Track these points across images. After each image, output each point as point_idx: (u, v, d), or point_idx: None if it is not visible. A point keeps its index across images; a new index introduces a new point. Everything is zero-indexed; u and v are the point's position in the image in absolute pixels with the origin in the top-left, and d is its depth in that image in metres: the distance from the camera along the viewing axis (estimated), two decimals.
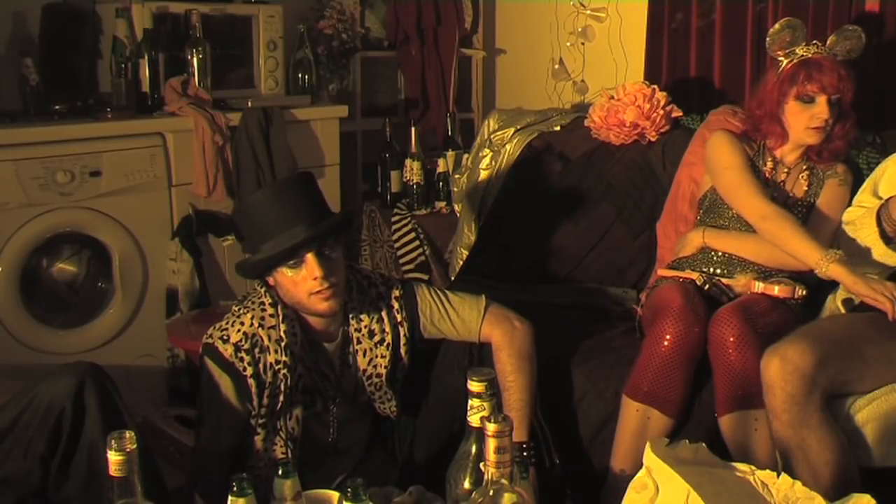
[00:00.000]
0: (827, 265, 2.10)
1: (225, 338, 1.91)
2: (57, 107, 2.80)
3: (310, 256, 1.86)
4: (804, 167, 2.43)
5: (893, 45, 2.77)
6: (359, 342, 2.03)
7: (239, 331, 1.92)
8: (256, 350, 1.91)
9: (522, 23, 3.84)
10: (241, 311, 1.95)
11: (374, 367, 2.03)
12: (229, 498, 1.35)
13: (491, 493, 1.27)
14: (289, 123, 3.16)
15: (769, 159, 2.45)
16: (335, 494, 1.59)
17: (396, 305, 2.05)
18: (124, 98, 2.95)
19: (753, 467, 1.53)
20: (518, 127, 3.15)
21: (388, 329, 2.03)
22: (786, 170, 2.44)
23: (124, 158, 2.81)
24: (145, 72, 2.98)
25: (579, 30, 3.59)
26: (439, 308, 2.08)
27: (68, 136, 2.73)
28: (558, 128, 3.13)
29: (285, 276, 1.90)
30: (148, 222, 2.89)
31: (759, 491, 1.49)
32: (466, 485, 1.41)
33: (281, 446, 1.95)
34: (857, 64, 2.42)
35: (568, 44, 3.63)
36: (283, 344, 1.92)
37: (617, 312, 2.55)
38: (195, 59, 3.03)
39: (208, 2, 3.15)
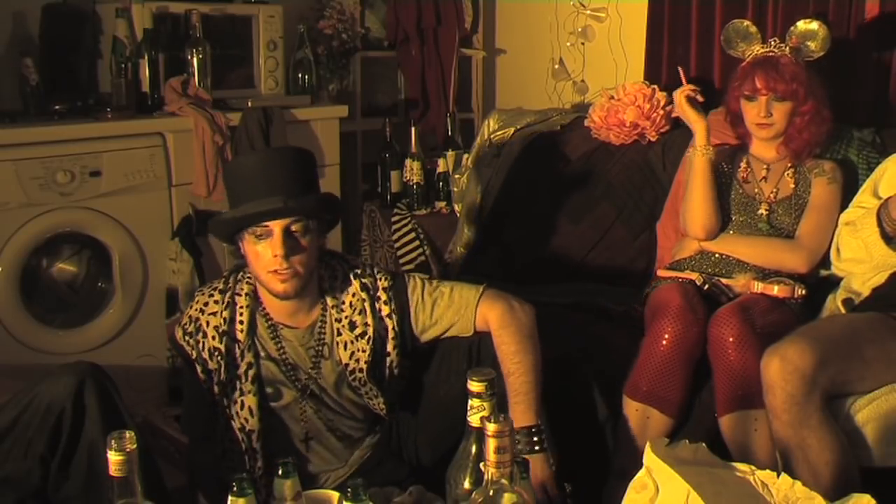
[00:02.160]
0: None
1: (180, 321, 1.94)
2: (57, 107, 2.79)
3: (277, 230, 1.80)
4: (788, 165, 2.45)
5: (892, 45, 2.77)
6: (339, 333, 1.94)
7: (187, 313, 1.94)
8: (199, 335, 1.90)
9: (522, 23, 3.84)
10: (197, 294, 1.96)
11: (356, 360, 1.94)
12: (229, 498, 1.35)
13: (491, 493, 1.27)
14: (289, 123, 3.16)
15: (743, 158, 2.49)
16: (335, 494, 1.59)
17: (384, 297, 1.96)
18: (124, 98, 2.95)
19: (753, 467, 1.53)
20: (518, 127, 3.16)
21: (370, 322, 1.94)
22: (765, 167, 2.46)
23: (124, 158, 2.81)
24: (145, 72, 2.97)
25: (579, 30, 3.59)
26: (431, 293, 1.98)
27: (68, 136, 2.73)
28: (558, 128, 3.13)
29: (251, 246, 1.84)
30: (148, 222, 2.89)
31: (759, 491, 1.49)
32: (466, 485, 1.41)
33: (237, 439, 1.91)
34: (855, 64, 2.44)
35: (568, 44, 3.63)
36: (220, 330, 1.88)
37: (617, 312, 2.55)
38: (195, 59, 3.03)
39: (208, 2, 3.15)
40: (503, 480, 1.27)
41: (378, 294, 1.96)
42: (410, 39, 3.67)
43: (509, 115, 3.24)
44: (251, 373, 1.90)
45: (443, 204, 3.42)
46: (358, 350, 1.94)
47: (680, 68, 2.60)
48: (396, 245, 3.32)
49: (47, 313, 2.78)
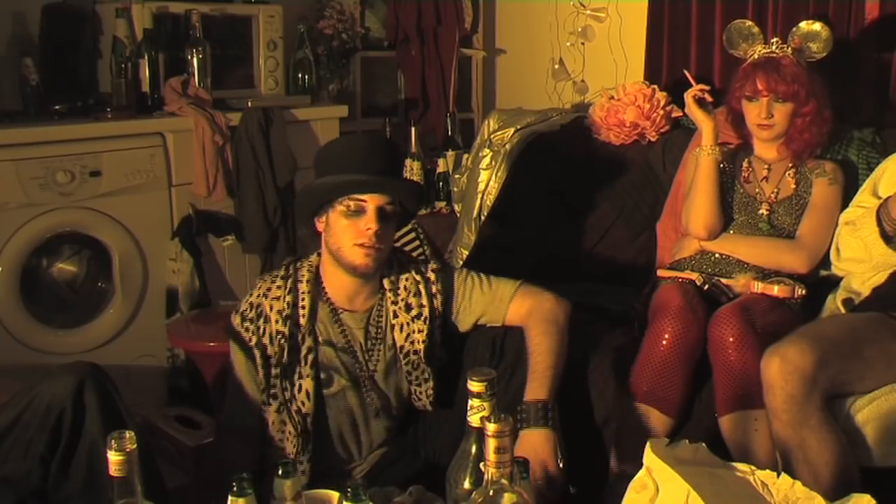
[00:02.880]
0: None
1: (238, 309, 1.97)
2: (57, 107, 2.79)
3: (371, 207, 1.86)
4: (789, 165, 2.45)
5: (893, 45, 2.77)
6: (395, 316, 1.99)
7: (247, 300, 1.97)
8: (261, 320, 1.93)
9: (522, 23, 3.84)
10: (256, 283, 2.00)
11: (412, 342, 1.99)
12: (229, 498, 1.35)
13: (491, 493, 1.27)
14: (289, 123, 3.16)
15: (744, 158, 2.49)
16: (335, 494, 1.59)
17: (433, 277, 2.03)
18: (124, 98, 2.95)
19: (753, 467, 1.53)
20: (518, 127, 3.15)
21: (425, 303, 2.00)
22: (766, 167, 2.47)
23: (124, 158, 2.81)
24: (145, 72, 2.97)
25: (579, 30, 3.59)
26: (473, 279, 2.06)
27: (68, 136, 2.73)
28: (558, 128, 3.13)
29: (338, 221, 1.89)
30: (148, 222, 2.89)
31: (759, 491, 1.49)
32: (466, 485, 1.41)
33: (292, 422, 1.93)
34: (855, 64, 2.45)
35: (568, 44, 3.63)
36: (284, 314, 1.92)
37: (617, 312, 2.55)
38: (195, 59, 3.03)
39: (208, 2, 3.15)
40: (503, 480, 1.27)
41: (429, 275, 2.03)
42: (410, 39, 3.67)
43: (509, 115, 3.24)
44: (310, 357, 1.94)
45: (443, 204, 3.42)
46: (414, 331, 1.99)
47: (686, 71, 2.62)
48: (396, 245, 3.31)
49: (47, 313, 2.78)
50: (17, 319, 2.66)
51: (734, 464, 1.56)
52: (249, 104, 3.09)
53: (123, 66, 2.94)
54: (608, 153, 2.98)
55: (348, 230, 1.88)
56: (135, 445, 1.30)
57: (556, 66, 3.68)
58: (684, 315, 2.12)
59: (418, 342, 1.99)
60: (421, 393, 2.02)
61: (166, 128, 2.91)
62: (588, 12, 3.57)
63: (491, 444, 1.26)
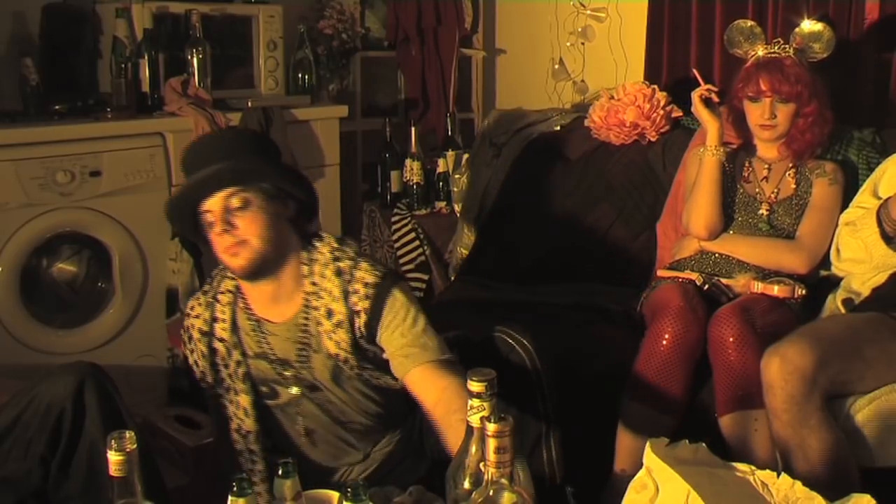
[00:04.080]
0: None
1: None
2: (57, 107, 2.79)
3: (215, 212, 1.74)
4: (790, 165, 2.45)
5: (893, 45, 2.77)
6: (319, 323, 1.80)
7: (185, 323, 1.94)
8: (191, 342, 1.91)
9: (522, 23, 3.84)
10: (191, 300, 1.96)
11: (342, 349, 1.80)
12: (229, 498, 1.35)
13: (491, 493, 1.27)
14: (289, 123, 3.16)
15: (745, 158, 2.49)
16: (335, 494, 1.59)
17: (362, 291, 1.79)
18: (124, 98, 2.94)
19: (753, 467, 1.53)
20: (518, 127, 3.15)
21: (343, 310, 1.79)
22: (766, 166, 2.47)
23: (124, 158, 2.81)
24: (145, 72, 2.97)
25: (579, 30, 3.59)
26: (402, 317, 1.79)
27: (68, 136, 2.73)
28: (558, 128, 3.13)
29: (208, 231, 1.78)
30: (148, 222, 2.89)
31: (759, 491, 1.49)
32: (466, 485, 1.41)
33: (235, 438, 1.88)
34: (855, 64, 2.45)
35: (568, 44, 3.63)
36: (202, 332, 1.87)
37: (617, 312, 2.56)
38: (195, 59, 3.03)
39: (208, 2, 3.15)
40: (503, 480, 1.27)
41: (354, 286, 1.79)
42: (410, 39, 3.67)
43: (509, 115, 3.24)
44: (241, 371, 1.85)
45: (443, 204, 3.42)
46: (340, 340, 1.80)
47: (694, 70, 2.63)
48: (396, 245, 3.32)
49: (47, 313, 2.78)
50: (17, 319, 2.66)
51: (734, 464, 1.56)
52: (249, 104, 3.09)
53: (123, 66, 2.94)
54: (608, 153, 2.98)
55: (215, 241, 1.78)
56: (135, 445, 1.30)
57: (556, 66, 3.68)
58: (684, 315, 2.13)
59: (344, 350, 1.80)
60: (388, 380, 1.86)
61: (166, 128, 2.91)
62: (588, 12, 3.57)
63: (491, 444, 1.26)
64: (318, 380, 1.86)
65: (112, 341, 2.85)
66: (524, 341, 1.95)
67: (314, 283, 1.82)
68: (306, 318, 1.83)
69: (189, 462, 2.60)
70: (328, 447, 1.94)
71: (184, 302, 2.95)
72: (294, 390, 1.87)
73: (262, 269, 1.79)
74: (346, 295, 1.79)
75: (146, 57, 2.97)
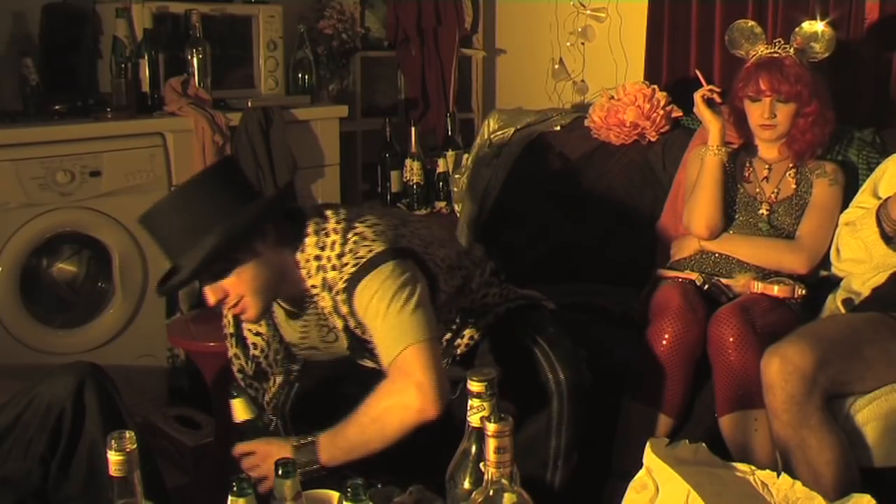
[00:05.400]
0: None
1: None
2: (57, 107, 2.79)
3: (208, 293, 1.77)
4: (790, 165, 2.45)
5: (893, 45, 2.77)
6: (326, 319, 1.83)
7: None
8: (230, 338, 2.00)
9: (522, 23, 3.84)
10: None
11: (350, 342, 1.84)
12: (229, 498, 1.35)
13: (491, 493, 1.27)
14: (289, 123, 3.16)
15: (745, 158, 2.49)
16: (335, 494, 1.59)
17: (342, 297, 1.74)
18: (124, 98, 2.95)
19: (753, 467, 1.53)
20: (518, 127, 3.15)
21: (339, 322, 1.80)
22: (767, 166, 2.47)
23: (124, 158, 2.81)
24: (145, 72, 2.97)
25: (579, 30, 3.59)
26: (366, 317, 1.73)
27: (68, 136, 2.73)
28: (558, 128, 3.13)
29: None
30: None
31: (759, 491, 1.49)
32: (466, 485, 1.41)
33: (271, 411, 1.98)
34: (855, 64, 2.45)
35: (568, 44, 3.63)
36: (236, 327, 1.97)
37: (617, 312, 2.56)
38: (195, 59, 3.03)
39: (208, 2, 3.15)
40: (503, 480, 1.27)
41: (337, 296, 1.75)
42: (410, 39, 3.67)
43: (509, 115, 3.24)
44: (279, 357, 1.97)
45: (443, 204, 3.42)
46: (342, 338, 1.84)
47: (697, 70, 2.63)
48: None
49: (47, 313, 2.78)
50: (17, 319, 2.66)
51: (734, 464, 1.56)
52: (249, 104, 3.09)
53: (123, 66, 2.94)
54: (608, 153, 2.98)
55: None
56: (135, 445, 1.30)
57: (556, 66, 3.68)
58: (684, 315, 2.13)
59: (352, 343, 1.84)
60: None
61: (166, 128, 2.91)
62: (588, 12, 3.57)
63: (491, 444, 1.26)
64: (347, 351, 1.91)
65: (112, 341, 2.85)
66: (561, 376, 1.92)
67: (313, 286, 1.79)
68: (318, 312, 1.85)
69: (189, 462, 2.60)
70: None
71: (184, 302, 2.96)
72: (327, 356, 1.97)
73: (266, 311, 1.83)
74: (336, 308, 1.77)
75: (146, 57, 2.97)
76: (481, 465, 1.31)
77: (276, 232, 1.77)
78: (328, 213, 1.80)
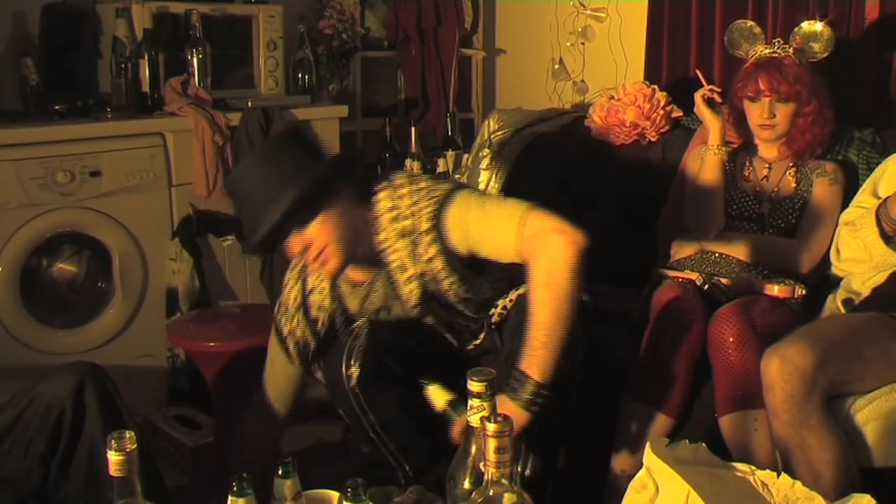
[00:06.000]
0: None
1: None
2: (57, 107, 2.79)
3: (294, 252, 1.87)
4: (790, 164, 2.45)
5: (893, 45, 2.77)
6: (394, 276, 1.93)
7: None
8: (288, 315, 2.07)
9: (522, 23, 3.84)
10: None
11: (414, 297, 1.94)
12: (229, 498, 1.35)
13: (491, 493, 1.27)
14: (289, 123, 3.16)
15: (745, 157, 2.50)
16: (335, 494, 1.59)
17: (426, 239, 1.85)
18: (124, 98, 2.95)
19: (753, 467, 1.53)
20: (518, 127, 3.15)
21: (414, 267, 1.90)
22: (766, 166, 2.47)
23: (124, 158, 2.81)
24: (145, 72, 2.97)
25: (579, 30, 3.59)
26: (471, 222, 1.82)
27: (68, 136, 2.73)
28: (558, 128, 3.13)
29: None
30: (148, 222, 2.89)
31: (759, 491, 1.49)
32: (466, 485, 1.41)
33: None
34: (855, 64, 2.45)
35: (568, 44, 3.63)
36: (298, 304, 2.03)
37: (617, 312, 2.55)
38: (195, 59, 3.03)
39: (208, 2, 3.15)
40: (503, 480, 1.27)
41: (418, 239, 1.86)
42: (410, 39, 3.67)
43: (509, 115, 3.24)
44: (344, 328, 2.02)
45: None
46: (412, 290, 1.93)
47: (698, 70, 2.64)
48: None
49: (47, 313, 2.78)
50: (17, 319, 2.66)
51: (734, 464, 1.56)
52: (249, 104, 3.09)
53: (123, 66, 2.94)
54: (608, 153, 2.98)
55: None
56: (135, 445, 1.30)
57: (556, 66, 3.68)
58: (685, 315, 2.13)
59: (413, 300, 1.95)
60: (463, 325, 2.04)
61: (166, 128, 2.91)
62: (588, 12, 3.57)
63: (491, 444, 1.26)
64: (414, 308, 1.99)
65: (112, 341, 2.85)
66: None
67: (385, 240, 1.89)
68: (388, 271, 1.93)
69: (189, 462, 2.60)
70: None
71: (184, 302, 2.96)
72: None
73: (345, 265, 1.89)
74: (414, 252, 1.88)
75: (146, 57, 2.97)
76: (481, 465, 1.31)
77: (349, 191, 1.88)
78: (394, 175, 1.96)
